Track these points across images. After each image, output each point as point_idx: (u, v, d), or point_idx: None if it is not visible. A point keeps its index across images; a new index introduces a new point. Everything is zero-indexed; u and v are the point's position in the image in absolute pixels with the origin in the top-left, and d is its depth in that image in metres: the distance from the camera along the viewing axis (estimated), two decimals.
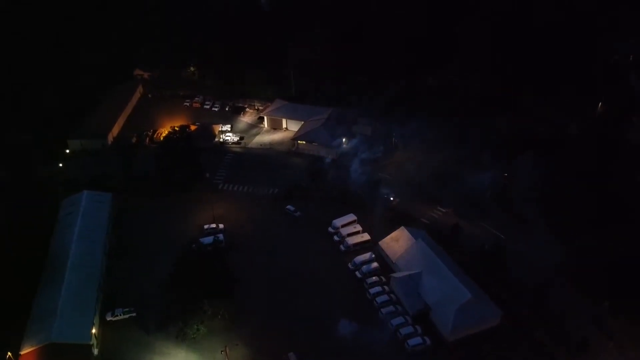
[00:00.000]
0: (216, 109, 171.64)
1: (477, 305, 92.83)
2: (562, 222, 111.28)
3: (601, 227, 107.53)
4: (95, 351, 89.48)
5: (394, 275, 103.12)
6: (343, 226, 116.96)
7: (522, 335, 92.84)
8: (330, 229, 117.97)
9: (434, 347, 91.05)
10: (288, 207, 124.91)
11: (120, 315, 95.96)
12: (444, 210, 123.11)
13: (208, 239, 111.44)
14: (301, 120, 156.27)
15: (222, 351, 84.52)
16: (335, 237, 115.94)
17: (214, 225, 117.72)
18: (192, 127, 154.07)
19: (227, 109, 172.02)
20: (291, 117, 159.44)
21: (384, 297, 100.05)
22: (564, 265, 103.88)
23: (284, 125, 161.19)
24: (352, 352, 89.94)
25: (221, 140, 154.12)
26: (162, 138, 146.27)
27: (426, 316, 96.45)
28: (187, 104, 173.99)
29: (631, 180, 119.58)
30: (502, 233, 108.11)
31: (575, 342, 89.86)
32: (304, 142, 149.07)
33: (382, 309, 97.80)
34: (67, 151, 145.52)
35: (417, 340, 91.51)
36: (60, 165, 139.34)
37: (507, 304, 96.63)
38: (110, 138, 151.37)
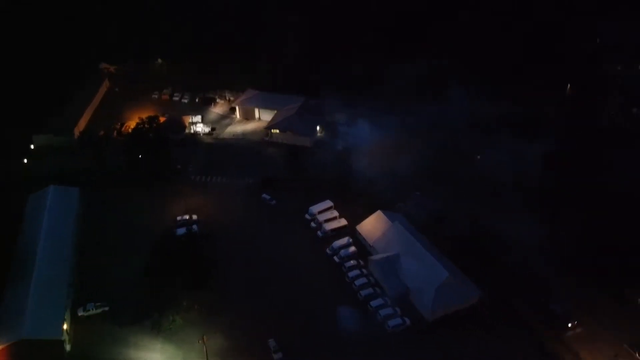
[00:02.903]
0: (186, 101, 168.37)
1: (455, 284, 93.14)
2: (542, 203, 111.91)
3: (582, 210, 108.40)
4: (68, 347, 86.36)
5: (372, 257, 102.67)
6: (320, 213, 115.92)
7: (504, 314, 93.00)
8: (307, 216, 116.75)
9: (414, 327, 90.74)
10: (264, 195, 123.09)
11: (93, 310, 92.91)
12: (423, 196, 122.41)
13: (181, 230, 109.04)
14: (274, 109, 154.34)
15: (199, 340, 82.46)
16: (312, 224, 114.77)
17: (187, 217, 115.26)
18: (161, 119, 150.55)
19: (197, 100, 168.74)
20: (264, 106, 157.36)
21: (363, 280, 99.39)
22: (546, 246, 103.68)
23: (257, 115, 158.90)
24: (333, 335, 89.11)
25: (192, 131, 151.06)
26: (130, 131, 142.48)
27: (406, 297, 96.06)
28: (156, 96, 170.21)
29: (611, 164, 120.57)
30: (482, 215, 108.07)
31: (557, 319, 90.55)
32: (277, 130, 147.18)
33: (361, 292, 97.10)
34: (32, 147, 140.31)
35: (397, 320, 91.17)
36: (25, 161, 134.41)
37: (489, 284, 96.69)
38: (76, 132, 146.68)
